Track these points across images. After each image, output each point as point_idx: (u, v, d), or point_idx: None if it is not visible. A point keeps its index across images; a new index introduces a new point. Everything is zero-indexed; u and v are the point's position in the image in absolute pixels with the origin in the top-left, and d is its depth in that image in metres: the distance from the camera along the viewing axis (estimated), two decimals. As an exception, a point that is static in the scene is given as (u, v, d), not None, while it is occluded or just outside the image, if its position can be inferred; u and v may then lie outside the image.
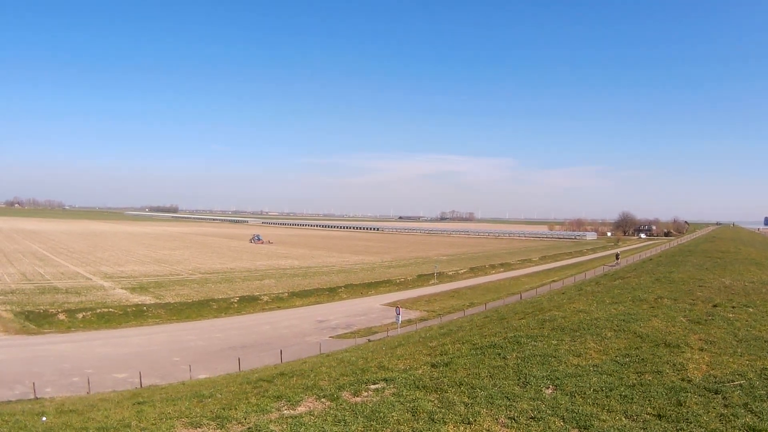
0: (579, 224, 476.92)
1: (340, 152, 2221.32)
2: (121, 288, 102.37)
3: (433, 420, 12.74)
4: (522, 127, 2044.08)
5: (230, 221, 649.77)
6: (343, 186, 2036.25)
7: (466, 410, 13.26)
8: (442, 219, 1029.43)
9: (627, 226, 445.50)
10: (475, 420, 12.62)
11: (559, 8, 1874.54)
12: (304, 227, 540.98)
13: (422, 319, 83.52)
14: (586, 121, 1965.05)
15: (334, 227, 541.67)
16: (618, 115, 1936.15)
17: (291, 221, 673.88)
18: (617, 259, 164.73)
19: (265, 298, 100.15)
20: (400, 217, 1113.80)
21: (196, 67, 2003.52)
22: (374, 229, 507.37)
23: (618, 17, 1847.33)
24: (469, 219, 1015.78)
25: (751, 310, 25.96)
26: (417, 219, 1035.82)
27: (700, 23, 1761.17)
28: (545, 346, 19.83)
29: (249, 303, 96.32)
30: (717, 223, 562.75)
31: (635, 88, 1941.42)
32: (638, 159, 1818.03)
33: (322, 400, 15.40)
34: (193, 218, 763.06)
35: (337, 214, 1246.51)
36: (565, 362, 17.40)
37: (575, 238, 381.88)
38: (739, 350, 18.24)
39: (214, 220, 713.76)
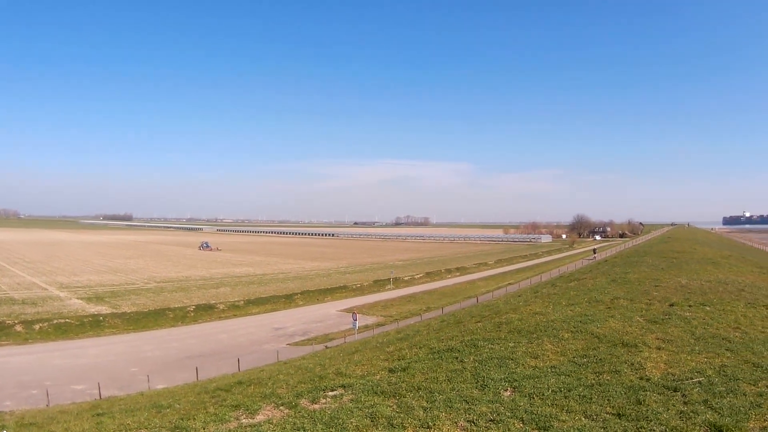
0: (534, 227, 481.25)
1: (295, 159, 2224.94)
2: (78, 298, 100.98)
3: (392, 425, 12.66)
4: (478, 132, 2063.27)
5: (185, 229, 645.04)
6: (298, 193, 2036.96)
7: (425, 414, 13.19)
8: (398, 224, 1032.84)
9: (582, 229, 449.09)
10: (435, 424, 12.53)
11: (513, 12, 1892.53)
12: (259, 234, 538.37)
13: (379, 325, 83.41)
14: (542, 124, 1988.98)
15: (290, 234, 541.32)
16: (572, 119, 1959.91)
17: (246, 228, 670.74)
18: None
19: (221, 306, 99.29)
20: (356, 223, 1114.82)
21: (148, 75, 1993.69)
22: (330, 235, 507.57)
23: (572, 19, 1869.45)
24: (425, 224, 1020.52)
25: (708, 308, 26.18)
26: (372, 224, 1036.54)
27: (656, 23, 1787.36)
28: (502, 348, 19.88)
29: (205, 311, 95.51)
30: (672, 224, 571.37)
31: (589, 91, 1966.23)
32: (593, 162, 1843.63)
33: (281, 408, 15.38)
34: (148, 226, 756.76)
35: (292, 221, 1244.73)
36: (523, 364, 17.46)
37: (530, 241, 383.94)
38: (697, 348, 18.38)
39: (168, 228, 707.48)
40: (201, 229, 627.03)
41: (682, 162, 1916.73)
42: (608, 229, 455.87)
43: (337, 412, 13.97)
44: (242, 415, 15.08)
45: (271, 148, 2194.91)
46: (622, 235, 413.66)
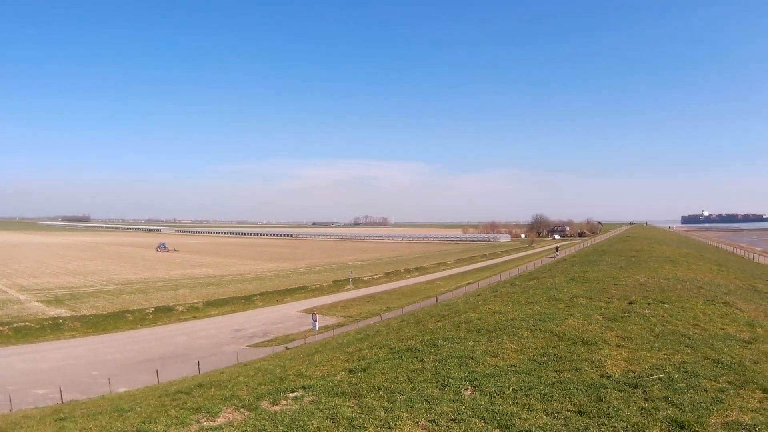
0: (493, 227, 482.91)
1: (253, 160, 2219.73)
2: (37, 301, 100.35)
3: (353, 426, 12.58)
4: (436, 131, 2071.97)
5: (143, 230, 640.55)
6: (256, 193, 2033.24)
7: (385, 415, 13.12)
8: (356, 224, 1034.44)
9: (541, 228, 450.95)
10: (396, 424, 12.47)
11: (471, 9, 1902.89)
12: (217, 235, 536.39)
13: (339, 325, 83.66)
14: (500, 124, 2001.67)
15: (248, 234, 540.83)
16: (531, 118, 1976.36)
17: (204, 229, 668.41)
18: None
19: (181, 309, 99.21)
20: (314, 223, 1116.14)
21: (103, 75, 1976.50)
22: (288, 235, 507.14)
23: (530, 16, 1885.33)
24: (383, 224, 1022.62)
25: (666, 306, 26.39)
26: (331, 225, 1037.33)
27: (607, 21, 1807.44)
28: (462, 347, 19.83)
29: (164, 314, 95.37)
30: (630, 223, 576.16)
31: (546, 89, 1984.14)
32: (552, 161, 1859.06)
33: (241, 410, 15.21)
34: (106, 228, 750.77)
35: (250, 221, 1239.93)
36: (483, 363, 17.39)
37: (489, 241, 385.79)
38: (656, 345, 18.45)
39: (126, 229, 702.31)
40: (159, 230, 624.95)
41: (642, 161, 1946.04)
42: (567, 228, 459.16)
43: (298, 413, 13.84)
44: (203, 417, 14.91)
45: (230, 148, 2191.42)
46: (580, 234, 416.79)
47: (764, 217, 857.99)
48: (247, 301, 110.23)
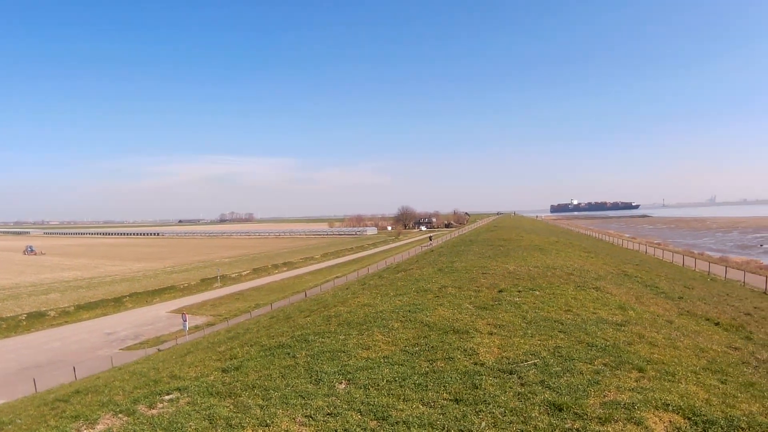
0: (359, 220, 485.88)
1: (117, 157, 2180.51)
2: None
3: (230, 426, 12.50)
4: (301, 126, 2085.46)
5: (12, 233, 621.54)
6: (122, 192, 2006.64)
7: (262, 413, 13.06)
8: (222, 221, 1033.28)
9: (407, 220, 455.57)
10: (273, 421, 12.41)
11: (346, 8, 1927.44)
12: (85, 236, 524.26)
13: (209, 324, 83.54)
14: (363, 119, 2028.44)
15: (116, 234, 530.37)
16: (393, 112, 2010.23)
17: (73, 231, 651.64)
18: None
19: (53, 314, 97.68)
20: (180, 221, 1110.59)
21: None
22: (155, 234, 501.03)
23: (395, 18, 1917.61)
24: (249, 220, 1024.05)
25: (537, 293, 27.10)
26: (197, 222, 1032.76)
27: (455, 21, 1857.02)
28: (333, 341, 19.92)
29: (37, 319, 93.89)
30: (498, 213, 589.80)
31: (405, 84, 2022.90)
32: (416, 154, 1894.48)
33: (120, 415, 14.89)
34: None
35: (117, 221, 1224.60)
36: (355, 356, 17.50)
37: (356, 234, 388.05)
38: (529, 331, 18.90)
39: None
40: (28, 232, 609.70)
41: (511, 153, 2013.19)
42: (434, 219, 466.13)
43: (175, 416, 13.68)
44: (82, 425, 14.50)
45: (92, 145, 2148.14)
46: (447, 225, 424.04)
47: (633, 204, 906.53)
48: (117, 303, 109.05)
